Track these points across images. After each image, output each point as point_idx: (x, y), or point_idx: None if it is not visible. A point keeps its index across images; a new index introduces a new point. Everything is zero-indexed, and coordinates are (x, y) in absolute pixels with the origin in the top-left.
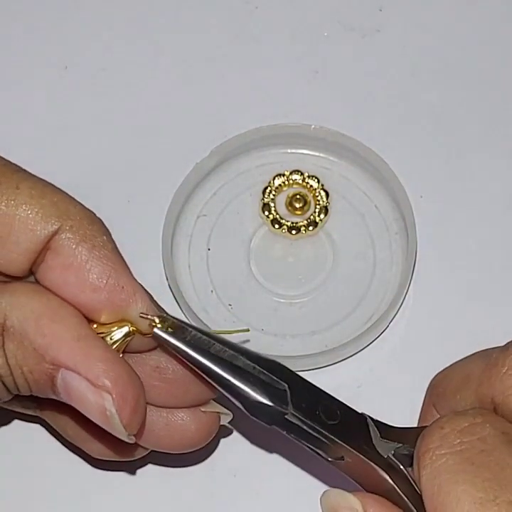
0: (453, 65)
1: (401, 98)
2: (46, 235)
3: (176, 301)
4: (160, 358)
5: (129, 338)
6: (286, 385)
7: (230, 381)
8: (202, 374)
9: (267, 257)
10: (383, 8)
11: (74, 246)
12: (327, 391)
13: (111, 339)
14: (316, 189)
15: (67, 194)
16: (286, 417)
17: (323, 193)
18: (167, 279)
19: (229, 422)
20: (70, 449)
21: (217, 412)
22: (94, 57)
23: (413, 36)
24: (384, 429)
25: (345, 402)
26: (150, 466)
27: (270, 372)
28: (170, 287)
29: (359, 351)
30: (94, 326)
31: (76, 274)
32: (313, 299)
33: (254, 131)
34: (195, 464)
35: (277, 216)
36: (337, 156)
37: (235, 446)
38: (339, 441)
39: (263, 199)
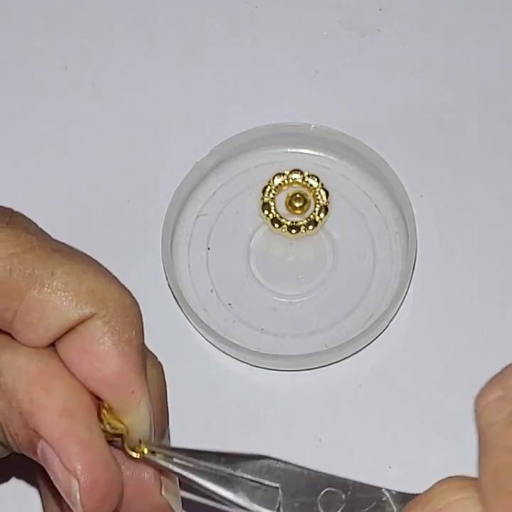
0: (453, 65)
1: (401, 98)
2: (78, 320)
3: (176, 301)
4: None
5: (118, 440)
6: (279, 484)
7: (217, 494)
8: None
9: (266, 257)
10: (383, 8)
11: (100, 335)
12: (335, 474)
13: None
14: (315, 188)
15: (106, 277)
16: None
17: (323, 193)
18: (167, 278)
19: None
20: None
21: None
22: (94, 57)
23: (413, 36)
24: (404, 500)
25: (357, 480)
26: None
27: (260, 473)
28: (170, 287)
29: (359, 351)
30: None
31: (92, 363)
32: (313, 298)
33: (254, 131)
34: None
35: (277, 215)
36: (337, 156)
37: (229, 446)
38: None
39: (263, 198)
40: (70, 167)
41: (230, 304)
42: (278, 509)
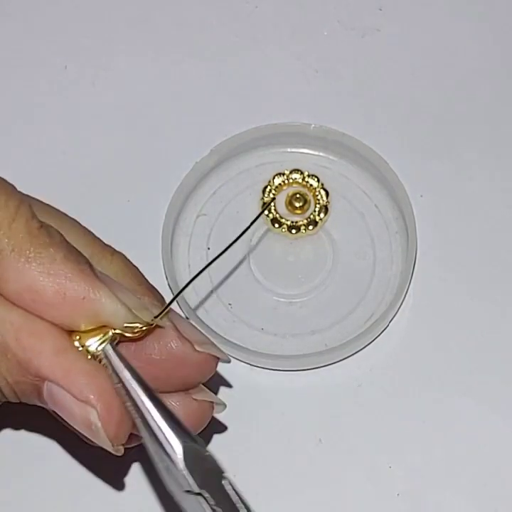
0: (453, 64)
1: (401, 98)
2: None
3: (176, 301)
4: (145, 340)
5: (115, 342)
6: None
7: (161, 425)
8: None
9: (266, 257)
10: (383, 8)
11: (20, 267)
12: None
13: (91, 349)
14: (315, 188)
15: (17, 207)
16: (224, 482)
17: (323, 192)
18: (167, 278)
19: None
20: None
21: (210, 402)
22: (94, 57)
23: (413, 36)
24: None
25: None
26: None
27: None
28: (170, 287)
29: (359, 351)
30: (77, 337)
31: (33, 298)
32: (313, 298)
33: (254, 131)
34: None
35: (277, 215)
36: (337, 155)
37: (229, 446)
38: None
39: (263, 198)
40: (70, 167)
41: (230, 304)
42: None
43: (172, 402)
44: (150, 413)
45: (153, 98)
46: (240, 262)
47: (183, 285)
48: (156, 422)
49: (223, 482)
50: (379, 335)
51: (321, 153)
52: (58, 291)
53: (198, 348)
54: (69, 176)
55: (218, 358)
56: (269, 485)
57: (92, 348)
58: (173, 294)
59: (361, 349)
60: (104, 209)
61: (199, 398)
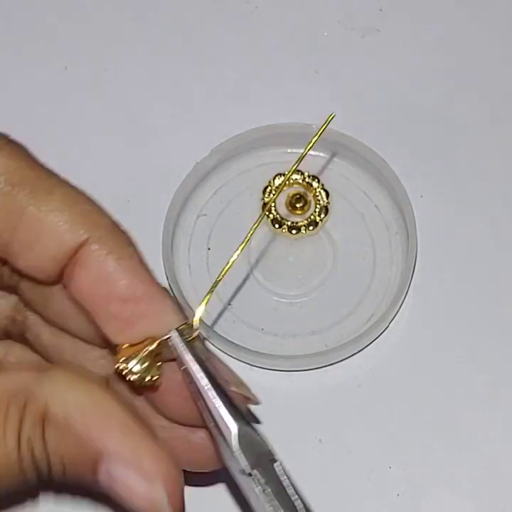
0: (453, 65)
1: (401, 98)
2: (74, 244)
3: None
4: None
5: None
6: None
7: (220, 410)
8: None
9: (267, 257)
10: (383, 8)
11: (102, 258)
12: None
13: (135, 369)
14: (316, 189)
15: (98, 205)
16: (275, 465)
17: (323, 193)
18: (167, 278)
19: None
20: None
21: (247, 397)
22: (94, 57)
23: (413, 36)
24: None
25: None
26: None
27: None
28: (170, 287)
29: (359, 351)
30: (124, 345)
31: (105, 287)
32: (313, 298)
33: (254, 131)
34: None
35: (277, 216)
36: (337, 156)
37: None
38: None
39: (263, 199)
40: (70, 167)
41: (230, 304)
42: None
43: (203, 436)
44: (210, 399)
45: (153, 98)
46: (240, 262)
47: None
48: (215, 406)
49: (274, 465)
50: (379, 335)
51: (321, 154)
52: (131, 286)
53: (233, 389)
54: (69, 176)
55: (249, 399)
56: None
57: (135, 369)
58: (173, 294)
59: (361, 349)
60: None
61: (235, 390)
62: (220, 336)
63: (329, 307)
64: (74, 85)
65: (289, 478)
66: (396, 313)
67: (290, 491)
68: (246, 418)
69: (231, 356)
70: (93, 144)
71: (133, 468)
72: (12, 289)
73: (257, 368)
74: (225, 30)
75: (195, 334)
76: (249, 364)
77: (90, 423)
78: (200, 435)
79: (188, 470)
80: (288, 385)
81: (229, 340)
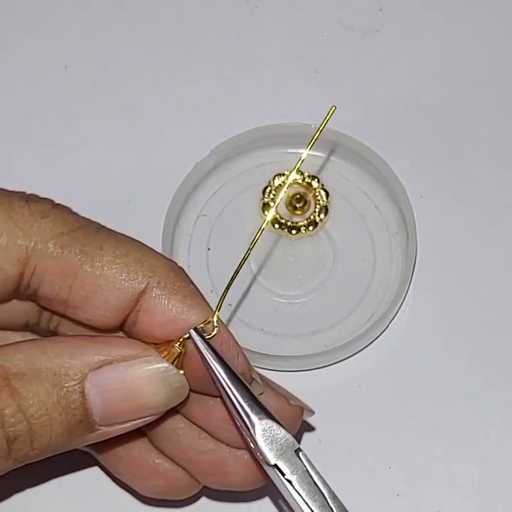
0: (453, 64)
1: (401, 98)
2: (134, 292)
3: None
4: None
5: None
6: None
7: (242, 402)
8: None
9: (266, 257)
10: (383, 8)
11: (166, 301)
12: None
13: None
14: (316, 189)
15: (149, 248)
16: (300, 454)
17: (323, 193)
18: None
19: None
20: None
21: (301, 407)
22: (94, 57)
23: (413, 36)
24: None
25: None
26: None
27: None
28: None
29: (359, 351)
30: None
31: (174, 330)
32: (313, 298)
33: (254, 131)
34: None
35: (277, 216)
36: (337, 156)
37: None
38: None
39: (263, 199)
40: (70, 167)
41: (230, 305)
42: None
43: (271, 403)
44: (230, 393)
45: (153, 98)
46: (240, 263)
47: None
48: (235, 400)
49: (300, 454)
50: (379, 335)
51: (321, 154)
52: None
53: (292, 402)
54: (69, 176)
55: (303, 410)
56: (270, 484)
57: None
58: None
59: (361, 349)
60: (104, 209)
61: (293, 403)
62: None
63: (329, 307)
64: (74, 85)
65: (314, 467)
66: (396, 313)
67: (317, 478)
68: (268, 412)
69: None
70: (93, 143)
71: (115, 356)
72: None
73: (257, 368)
74: (225, 30)
75: (214, 333)
76: None
77: (56, 350)
78: (242, 452)
79: (238, 490)
80: (288, 385)
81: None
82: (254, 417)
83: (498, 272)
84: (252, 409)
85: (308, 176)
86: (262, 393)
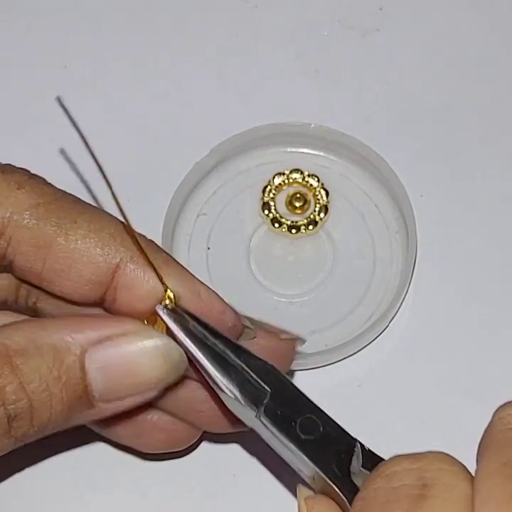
0: (453, 64)
1: (401, 98)
2: (108, 267)
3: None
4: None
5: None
6: (270, 390)
7: (211, 372)
8: (194, 362)
9: (266, 256)
10: (383, 8)
11: (141, 274)
12: (322, 408)
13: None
14: (315, 188)
15: (123, 223)
16: (261, 419)
17: (323, 192)
18: None
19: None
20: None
21: (293, 339)
22: (94, 57)
23: (413, 36)
24: (373, 460)
25: (337, 422)
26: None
27: (259, 374)
28: None
29: (359, 351)
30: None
31: (154, 301)
32: (313, 298)
33: (254, 131)
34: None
35: (277, 215)
36: (337, 155)
37: (230, 445)
38: (304, 457)
39: (263, 198)
40: (69, 167)
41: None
42: (259, 408)
43: (262, 343)
44: (196, 357)
45: (153, 98)
46: (240, 262)
47: None
48: (201, 363)
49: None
50: (379, 335)
51: (321, 153)
52: (179, 291)
53: (282, 337)
54: (69, 176)
55: (296, 340)
56: (269, 484)
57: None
58: None
59: (361, 349)
60: (104, 209)
61: (284, 337)
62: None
63: (329, 307)
64: (73, 84)
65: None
66: (396, 313)
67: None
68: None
69: None
70: (92, 143)
71: (113, 332)
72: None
73: None
74: (225, 29)
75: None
76: None
77: (56, 326)
78: None
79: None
80: None
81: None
82: (225, 390)
83: (498, 271)
84: (225, 384)
85: (308, 175)
86: (255, 337)
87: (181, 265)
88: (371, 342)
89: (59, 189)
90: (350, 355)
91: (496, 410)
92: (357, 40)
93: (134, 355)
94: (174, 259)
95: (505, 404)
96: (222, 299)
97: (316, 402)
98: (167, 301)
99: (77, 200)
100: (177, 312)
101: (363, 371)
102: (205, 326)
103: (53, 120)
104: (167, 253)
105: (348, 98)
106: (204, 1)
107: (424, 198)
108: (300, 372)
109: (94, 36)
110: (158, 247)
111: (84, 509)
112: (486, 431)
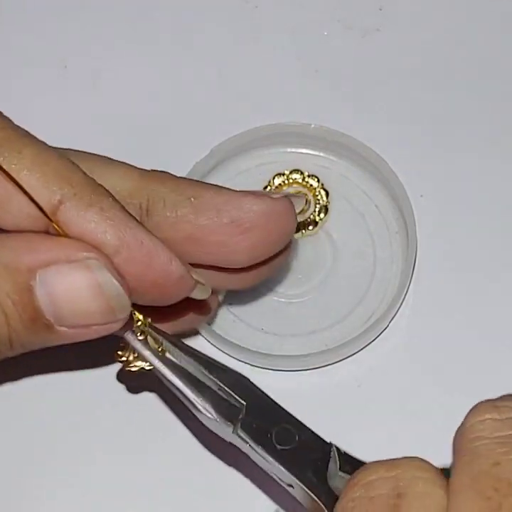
0: (453, 64)
1: (401, 98)
2: (49, 202)
3: None
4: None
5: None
6: (245, 403)
7: (187, 394)
8: (169, 386)
9: None
10: (383, 8)
11: (82, 212)
12: (296, 416)
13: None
14: (315, 188)
15: (70, 161)
16: (239, 433)
17: (323, 193)
18: None
19: None
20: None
21: (285, 196)
22: (94, 57)
23: (413, 36)
24: (350, 462)
25: (312, 429)
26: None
27: (234, 388)
28: None
29: (359, 351)
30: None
31: (93, 241)
32: (313, 298)
33: (254, 131)
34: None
35: None
36: (337, 156)
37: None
38: (281, 467)
39: None
40: None
41: (230, 304)
42: (235, 424)
43: (254, 206)
44: (175, 386)
45: (152, 98)
46: None
47: None
48: (181, 392)
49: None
50: (379, 335)
51: (321, 153)
52: (118, 234)
53: (274, 196)
54: None
55: (290, 198)
56: (269, 484)
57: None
58: None
59: (361, 349)
60: None
61: (275, 196)
62: (220, 335)
63: (329, 307)
64: (74, 85)
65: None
66: (396, 313)
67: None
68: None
69: (231, 356)
70: (92, 143)
71: (57, 258)
72: None
73: (257, 368)
74: (225, 29)
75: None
76: (249, 364)
77: (10, 243)
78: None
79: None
80: (288, 385)
81: (229, 340)
82: (202, 409)
83: (498, 271)
84: (200, 404)
85: (308, 176)
86: (211, 294)
87: (123, 208)
88: (371, 342)
89: (9, 120)
90: (350, 356)
91: (468, 413)
92: (357, 40)
93: (74, 284)
94: (115, 201)
95: (476, 406)
96: (169, 250)
97: (316, 402)
98: (139, 323)
99: (29, 135)
100: (147, 333)
101: (362, 371)
102: (176, 344)
103: (53, 120)
104: (114, 198)
105: (348, 98)
106: (204, 0)
107: (424, 198)
108: (300, 372)
109: (94, 36)
110: (106, 190)
111: (85, 509)
112: (456, 435)
